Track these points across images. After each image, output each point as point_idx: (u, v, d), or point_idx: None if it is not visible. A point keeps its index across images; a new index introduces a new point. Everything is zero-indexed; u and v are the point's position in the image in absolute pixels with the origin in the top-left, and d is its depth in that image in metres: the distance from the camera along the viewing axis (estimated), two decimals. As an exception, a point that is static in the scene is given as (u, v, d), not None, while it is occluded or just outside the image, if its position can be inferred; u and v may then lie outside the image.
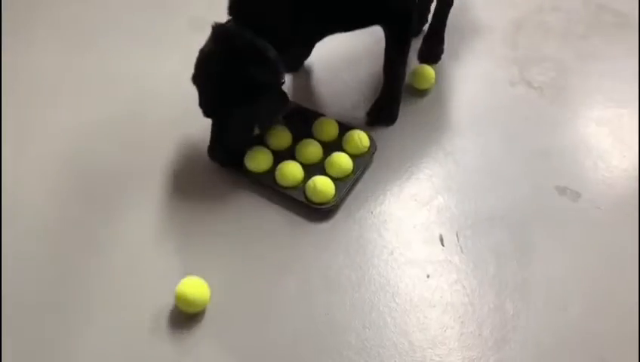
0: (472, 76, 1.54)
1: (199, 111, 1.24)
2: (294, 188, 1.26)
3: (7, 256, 1.19)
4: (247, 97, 1.19)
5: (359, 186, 1.31)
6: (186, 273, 1.14)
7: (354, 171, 1.29)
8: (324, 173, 1.28)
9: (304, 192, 1.25)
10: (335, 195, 1.24)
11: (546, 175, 1.34)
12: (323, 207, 1.24)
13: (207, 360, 1.07)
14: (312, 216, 1.25)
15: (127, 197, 1.28)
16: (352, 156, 1.30)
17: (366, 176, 1.32)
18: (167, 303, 1.13)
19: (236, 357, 1.08)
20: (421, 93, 1.48)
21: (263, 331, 1.11)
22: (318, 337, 1.10)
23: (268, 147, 1.32)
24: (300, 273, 1.18)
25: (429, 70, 1.47)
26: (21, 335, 1.09)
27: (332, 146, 1.32)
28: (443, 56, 1.55)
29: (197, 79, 1.21)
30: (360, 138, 1.31)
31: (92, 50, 1.59)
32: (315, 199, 1.23)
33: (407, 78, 1.46)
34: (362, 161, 1.31)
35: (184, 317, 1.11)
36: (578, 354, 1.08)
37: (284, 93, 1.27)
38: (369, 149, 1.32)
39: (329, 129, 1.35)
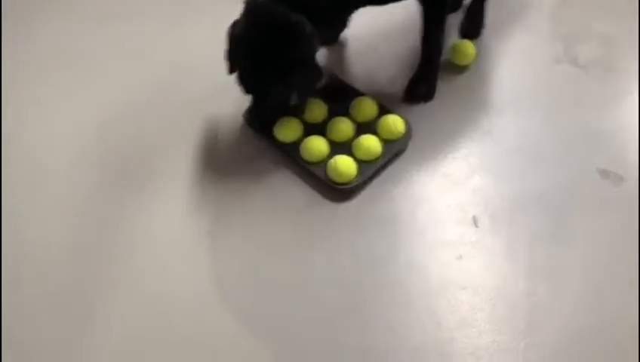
0: (515, 52, 1.48)
1: (230, 84, 1.24)
2: (317, 164, 1.25)
3: (38, 229, 1.21)
4: (283, 73, 1.18)
5: (394, 164, 1.29)
6: (215, 247, 1.15)
7: (383, 156, 1.26)
8: (350, 153, 1.26)
9: (325, 170, 1.24)
10: (357, 177, 1.22)
11: (588, 157, 1.29)
12: (342, 187, 1.22)
13: (236, 336, 1.08)
14: (340, 195, 1.23)
15: (159, 171, 1.29)
16: (385, 141, 1.28)
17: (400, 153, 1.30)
18: (196, 277, 1.14)
19: (265, 331, 1.08)
20: (460, 69, 1.44)
21: (292, 307, 1.11)
22: (346, 314, 1.09)
23: (301, 119, 1.31)
24: (330, 250, 1.17)
25: (469, 45, 1.43)
26: (52, 299, 1.12)
27: (366, 128, 1.30)
28: (484, 31, 1.50)
29: (231, 56, 1.20)
30: (395, 123, 1.28)
31: (125, 23, 1.59)
32: (335, 178, 1.22)
33: (447, 54, 1.42)
34: (394, 146, 1.28)
35: (213, 290, 1.12)
36: (612, 341, 1.05)
37: (319, 66, 1.26)
38: (404, 135, 1.29)
39: (367, 109, 1.32)
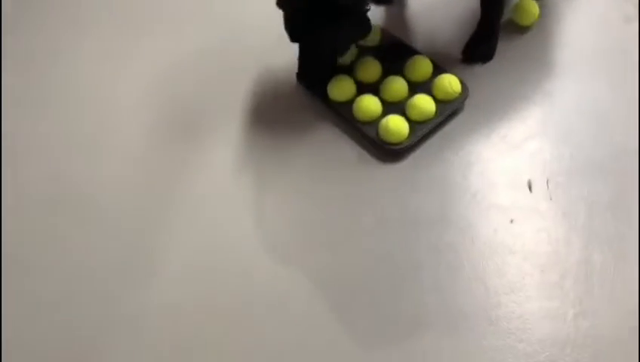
0: (581, 11, 1.41)
1: (285, 40, 1.23)
2: (370, 123, 1.24)
3: (102, 176, 1.27)
4: (330, 21, 1.17)
5: (448, 126, 1.26)
6: (262, 200, 1.16)
7: (436, 116, 1.24)
8: (404, 113, 1.24)
9: (377, 129, 1.22)
10: (409, 137, 1.21)
11: (656, 124, 1.23)
12: (394, 147, 1.21)
13: (283, 288, 1.10)
14: (391, 155, 1.22)
15: (213, 126, 1.32)
16: (440, 101, 1.25)
17: (455, 115, 1.27)
18: (244, 229, 1.16)
19: (312, 284, 1.10)
20: (522, 29, 1.39)
21: (339, 262, 1.12)
22: (393, 272, 1.10)
23: (355, 78, 1.29)
24: (379, 209, 1.17)
25: (532, 4, 1.37)
26: (113, 240, 1.18)
27: (421, 87, 1.28)
28: (550, -10, 1.43)
29: (282, 2, 1.19)
30: (450, 83, 1.25)
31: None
32: (386, 138, 1.21)
33: (509, 13, 1.37)
34: (450, 106, 1.25)
35: (260, 242, 1.15)
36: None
37: (368, 19, 1.24)
38: (460, 95, 1.26)
39: (422, 69, 1.30)
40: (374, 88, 1.28)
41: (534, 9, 1.37)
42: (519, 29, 1.39)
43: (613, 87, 1.29)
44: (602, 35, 1.38)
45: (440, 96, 1.26)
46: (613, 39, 1.37)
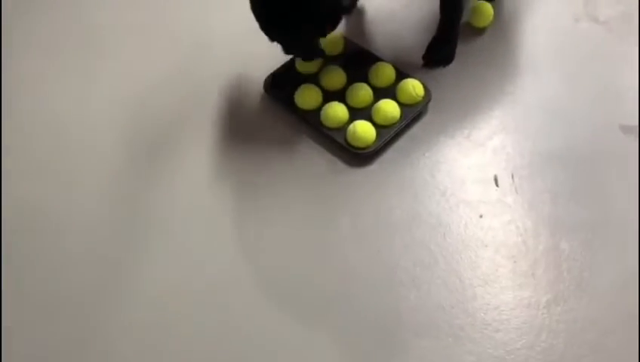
0: (533, 11, 1.47)
1: (250, 54, 1.25)
2: (337, 130, 1.27)
3: (73, 199, 1.26)
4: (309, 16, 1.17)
5: (414, 128, 1.30)
6: (238, 213, 1.18)
7: (401, 119, 1.27)
8: (370, 119, 1.27)
9: (345, 135, 1.25)
10: (376, 141, 1.24)
11: (610, 114, 1.28)
12: (362, 151, 1.24)
13: (260, 297, 1.11)
14: (361, 160, 1.25)
15: (183, 142, 1.32)
16: (404, 105, 1.29)
17: (420, 117, 1.31)
18: (221, 242, 1.17)
19: (289, 292, 1.11)
20: (479, 31, 1.44)
21: (316, 269, 1.14)
22: (370, 274, 1.12)
23: (321, 86, 1.32)
24: (352, 214, 1.19)
25: (487, 7, 1.42)
26: (84, 267, 1.17)
27: (385, 93, 1.31)
28: (503, -8, 1.49)
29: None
30: (414, 87, 1.29)
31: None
32: (355, 143, 1.24)
33: (465, 16, 1.41)
34: (414, 109, 1.29)
35: (237, 254, 1.16)
36: (636, 296, 1.05)
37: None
38: (424, 98, 1.30)
39: (385, 75, 1.33)
40: (340, 95, 1.31)
41: (489, 11, 1.42)
42: (476, 31, 1.44)
43: (567, 82, 1.35)
44: (554, 34, 1.44)
45: (404, 100, 1.30)
46: (564, 36, 1.43)
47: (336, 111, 1.28)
